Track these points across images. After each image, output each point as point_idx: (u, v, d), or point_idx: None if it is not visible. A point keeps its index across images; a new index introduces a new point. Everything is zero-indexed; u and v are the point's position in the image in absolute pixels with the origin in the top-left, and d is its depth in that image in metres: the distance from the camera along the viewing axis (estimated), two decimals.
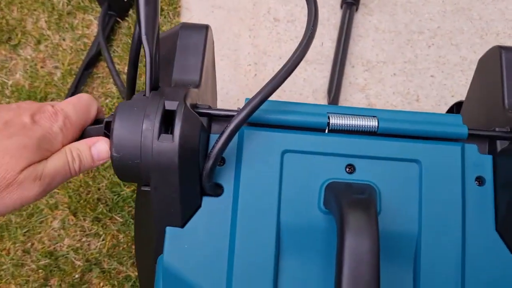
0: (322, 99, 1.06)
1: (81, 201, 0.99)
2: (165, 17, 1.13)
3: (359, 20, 1.14)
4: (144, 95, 0.46)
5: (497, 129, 0.51)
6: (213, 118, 0.51)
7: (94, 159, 0.45)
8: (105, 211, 0.99)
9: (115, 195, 1.00)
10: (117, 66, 1.08)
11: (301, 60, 0.47)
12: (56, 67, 1.12)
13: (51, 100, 1.09)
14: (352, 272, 0.38)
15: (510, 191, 0.47)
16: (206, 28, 0.58)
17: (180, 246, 0.48)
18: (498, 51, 0.57)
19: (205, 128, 0.49)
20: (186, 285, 0.48)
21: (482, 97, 0.62)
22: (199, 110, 0.49)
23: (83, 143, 0.45)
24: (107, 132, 0.46)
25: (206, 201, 0.48)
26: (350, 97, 1.07)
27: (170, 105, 0.44)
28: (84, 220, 0.99)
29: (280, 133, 0.49)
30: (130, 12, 1.14)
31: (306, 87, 1.07)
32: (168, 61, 0.56)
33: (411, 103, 1.06)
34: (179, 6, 1.15)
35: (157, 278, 0.49)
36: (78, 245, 0.97)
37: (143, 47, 0.46)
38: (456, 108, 0.88)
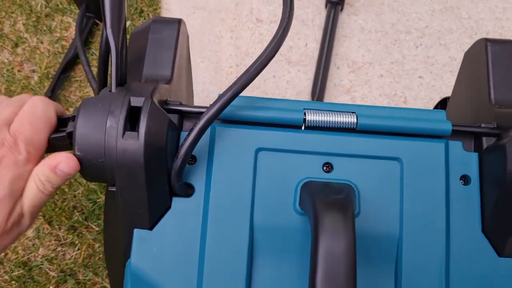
0: None
1: (56, 209, 0.96)
2: (144, 19, 1.10)
3: (344, 20, 1.11)
4: (110, 91, 0.44)
5: (483, 125, 0.48)
6: (184, 115, 0.49)
7: (64, 177, 0.43)
8: (81, 219, 0.95)
9: (91, 203, 0.96)
10: (95, 69, 1.05)
11: (274, 54, 0.44)
12: (34, 71, 1.09)
13: None
14: (326, 274, 0.36)
15: (496, 190, 0.45)
16: (178, 22, 0.56)
17: (148, 249, 0.45)
18: (484, 43, 0.55)
19: (175, 125, 0.47)
20: None
21: (468, 92, 0.60)
22: (169, 107, 0.47)
23: (46, 167, 0.42)
24: (71, 141, 0.44)
25: (176, 201, 0.46)
26: (335, 99, 1.03)
27: (136, 101, 0.42)
28: (59, 229, 0.95)
29: (253, 130, 0.47)
30: None
31: (290, 89, 1.04)
32: (140, 57, 0.53)
33: (398, 105, 1.03)
34: (159, 7, 1.12)
35: (125, 284, 0.47)
36: (53, 255, 0.94)
37: (109, 42, 0.44)
38: (441, 105, 0.85)
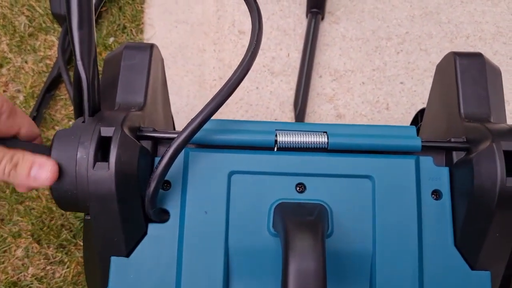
0: (289, 111, 1.03)
1: (44, 228, 0.96)
2: (127, 35, 1.11)
3: (325, 28, 1.12)
4: (83, 121, 0.44)
5: (452, 139, 0.49)
6: (158, 141, 0.49)
7: (30, 179, 0.41)
8: (69, 237, 0.96)
9: (79, 221, 0.97)
10: None
11: (244, 76, 0.45)
12: (19, 91, 1.09)
13: None
14: None
15: (466, 204, 0.45)
16: (150, 47, 0.56)
17: (125, 276, 0.46)
18: (453, 57, 0.55)
19: (148, 151, 0.47)
20: None
21: (440, 105, 0.60)
22: (142, 133, 0.47)
23: (28, 156, 0.41)
24: None
25: (152, 227, 0.46)
26: (318, 108, 1.04)
27: (106, 131, 0.42)
28: (48, 247, 0.96)
29: (226, 154, 0.48)
30: None
31: (273, 100, 1.05)
32: (114, 83, 0.54)
33: (380, 112, 1.04)
34: (142, 23, 1.13)
35: None
36: (43, 274, 0.94)
37: (79, 73, 0.44)
38: (420, 115, 0.86)
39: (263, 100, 1.04)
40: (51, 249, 0.96)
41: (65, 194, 0.42)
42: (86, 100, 0.45)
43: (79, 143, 0.42)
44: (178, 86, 1.06)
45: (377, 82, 1.06)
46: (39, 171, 0.41)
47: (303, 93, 1.00)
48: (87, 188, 0.41)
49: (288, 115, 1.03)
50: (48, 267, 0.95)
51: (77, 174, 0.41)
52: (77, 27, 0.44)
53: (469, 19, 1.13)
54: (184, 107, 1.03)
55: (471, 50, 1.10)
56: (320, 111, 1.04)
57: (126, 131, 0.43)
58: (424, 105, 1.03)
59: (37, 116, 1.03)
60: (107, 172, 0.41)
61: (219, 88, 0.44)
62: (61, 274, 0.94)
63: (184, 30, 1.12)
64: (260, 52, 1.08)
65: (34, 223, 0.96)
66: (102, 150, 0.42)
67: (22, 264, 0.95)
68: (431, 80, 1.07)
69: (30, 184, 0.42)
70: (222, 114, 1.01)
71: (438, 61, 1.08)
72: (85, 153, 0.41)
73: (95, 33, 0.45)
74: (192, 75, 1.08)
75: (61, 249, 0.96)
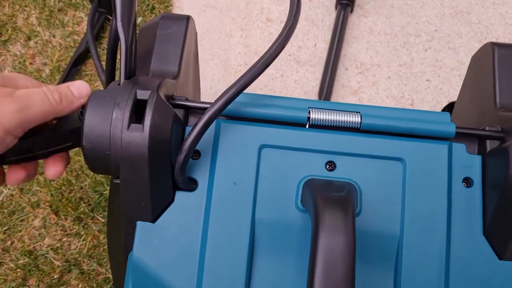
0: None
1: (63, 200, 0.97)
2: (156, 15, 1.12)
3: (354, 21, 1.11)
4: (119, 84, 0.44)
5: (487, 128, 0.48)
6: (190, 111, 0.49)
7: (75, 94, 0.44)
8: (87, 210, 0.97)
9: (97, 195, 0.97)
10: (105, 63, 1.07)
11: (279, 52, 0.45)
12: (45, 64, 1.10)
13: None
14: (325, 271, 0.36)
15: (498, 193, 0.45)
16: (187, 18, 0.56)
17: (150, 242, 0.46)
18: (491, 47, 0.55)
19: (180, 120, 0.47)
20: (156, 283, 0.46)
21: (474, 96, 0.60)
22: (175, 102, 0.47)
23: (59, 85, 0.44)
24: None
25: (179, 195, 0.46)
26: (342, 100, 1.04)
27: (142, 94, 0.42)
28: (66, 219, 0.97)
29: (258, 127, 0.47)
30: None
31: (297, 88, 1.04)
32: (149, 52, 0.54)
33: (405, 107, 1.03)
34: (171, 5, 1.13)
35: (127, 275, 0.47)
36: (58, 244, 0.95)
37: (119, 35, 0.45)
38: (448, 110, 0.85)
39: (287, 88, 1.04)
40: (68, 221, 0.97)
41: (97, 154, 0.42)
42: (124, 63, 0.45)
43: (115, 104, 0.42)
44: (203, 69, 1.06)
45: (403, 77, 1.05)
46: (77, 88, 0.45)
47: (328, 84, 1.00)
48: (120, 149, 0.41)
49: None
50: (64, 239, 0.96)
51: (111, 134, 0.41)
52: None
53: (500, 21, 1.12)
54: (208, 90, 1.04)
55: None
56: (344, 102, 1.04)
57: (162, 96, 0.43)
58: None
59: None
60: (141, 134, 0.41)
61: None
62: (76, 246, 0.95)
63: (212, 15, 1.12)
64: None
65: (53, 194, 0.97)
66: (136, 113, 0.42)
67: (39, 234, 0.96)
68: (457, 79, 1.06)
69: (78, 102, 0.45)
70: None
71: (466, 61, 1.07)
72: (120, 114, 0.41)
73: None
74: (218, 59, 1.08)
75: (78, 221, 0.96)
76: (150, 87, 0.43)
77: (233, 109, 0.47)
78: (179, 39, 0.54)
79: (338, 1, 1.09)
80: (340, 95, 1.04)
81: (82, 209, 0.97)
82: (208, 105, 0.46)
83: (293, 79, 1.05)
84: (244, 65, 1.06)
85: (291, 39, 1.11)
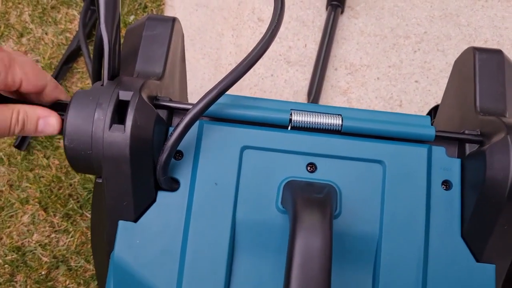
0: (302, 101, 1.04)
1: (52, 197, 0.97)
2: (148, 14, 1.12)
3: (344, 22, 1.12)
4: (102, 85, 0.45)
5: (466, 131, 0.49)
6: (174, 111, 0.50)
7: (38, 130, 0.44)
8: (75, 207, 0.97)
9: (86, 192, 0.98)
10: None
11: (263, 53, 0.45)
12: (37, 61, 1.11)
13: None
14: (301, 270, 0.37)
15: (476, 196, 0.45)
16: (173, 20, 0.57)
17: (131, 241, 0.46)
18: (472, 52, 0.55)
19: (163, 120, 0.48)
20: (137, 282, 0.46)
21: (456, 99, 0.61)
22: (159, 102, 0.48)
23: (34, 111, 0.44)
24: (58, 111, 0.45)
25: (161, 195, 0.47)
26: (331, 100, 1.04)
27: (125, 95, 0.43)
28: (54, 216, 0.97)
29: (240, 129, 0.48)
30: None
31: (287, 88, 1.05)
32: (134, 53, 0.54)
33: (393, 108, 1.04)
34: (163, 4, 1.14)
35: (108, 275, 0.47)
36: (47, 241, 0.95)
37: (102, 36, 0.45)
38: (434, 112, 0.86)
39: (277, 88, 1.04)
40: (57, 217, 0.97)
41: (79, 154, 0.42)
42: (107, 64, 0.45)
43: (97, 104, 0.42)
44: (194, 68, 1.07)
45: (392, 78, 1.06)
46: (45, 125, 0.44)
47: (317, 84, 1.01)
48: (102, 149, 0.42)
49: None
50: (53, 235, 0.96)
51: (93, 134, 0.42)
52: None
53: (489, 24, 1.13)
54: (198, 89, 1.04)
55: None
56: (333, 103, 1.04)
57: (144, 96, 0.44)
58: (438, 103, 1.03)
59: None
60: (122, 134, 0.41)
61: None
62: (64, 243, 0.95)
63: (204, 14, 1.13)
64: (277, 40, 1.09)
65: (42, 191, 0.98)
66: (119, 114, 0.43)
67: (28, 230, 0.97)
68: (446, 80, 1.07)
69: (38, 135, 0.45)
70: None
71: None
72: (102, 115, 0.42)
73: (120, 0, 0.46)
74: (209, 58, 1.08)
75: (67, 218, 0.97)
76: (133, 88, 0.43)
77: (216, 110, 0.47)
78: (165, 40, 0.54)
79: (329, 2, 1.10)
80: (329, 95, 1.05)
81: (71, 205, 0.97)
82: (190, 106, 0.47)
83: (283, 79, 1.06)
84: (235, 64, 1.06)
85: (282, 40, 1.11)
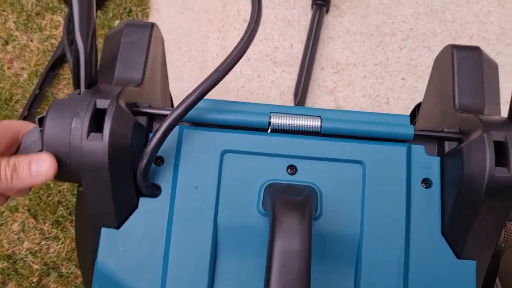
0: (289, 101, 1.04)
1: (41, 204, 0.97)
2: (133, 18, 1.12)
3: (330, 21, 1.12)
4: (79, 93, 0.45)
5: (445, 129, 0.49)
6: (154, 117, 0.50)
7: (32, 172, 0.42)
8: (65, 214, 0.97)
9: (75, 198, 0.98)
10: None
11: (240, 57, 0.45)
12: (23, 68, 1.11)
13: (16, 102, 1.08)
14: (280, 272, 0.37)
15: (455, 194, 0.46)
16: (151, 26, 0.57)
17: (114, 248, 0.46)
18: (451, 50, 0.56)
19: (143, 126, 0.48)
20: None
21: (437, 97, 0.61)
22: (138, 109, 0.48)
23: (23, 157, 0.42)
24: (41, 128, 0.44)
25: (143, 201, 0.47)
26: (318, 100, 1.05)
27: (102, 103, 0.43)
28: (44, 223, 0.97)
29: (219, 133, 0.48)
30: (98, 13, 1.13)
31: (274, 89, 1.05)
32: (113, 60, 0.54)
33: (380, 106, 1.04)
34: (148, 7, 1.13)
35: (93, 282, 0.47)
36: (37, 248, 0.96)
37: (77, 45, 0.45)
38: (417, 109, 0.86)
39: (263, 88, 1.04)
40: (46, 224, 0.97)
41: (59, 163, 0.42)
42: (83, 73, 0.45)
43: (74, 114, 0.42)
44: (180, 71, 1.07)
45: (378, 76, 1.07)
46: (38, 165, 0.41)
47: (303, 84, 1.01)
48: (81, 158, 0.42)
49: (288, 105, 1.04)
50: (43, 242, 0.96)
51: (71, 144, 0.42)
52: (78, 0, 0.44)
53: (474, 19, 1.13)
54: (185, 92, 1.04)
55: None
56: (320, 102, 1.04)
57: (122, 104, 0.44)
58: None
59: (40, 94, 1.04)
60: (100, 142, 0.41)
61: None
62: (55, 250, 0.95)
63: (189, 16, 1.13)
64: (263, 41, 1.09)
65: (31, 198, 0.98)
66: (96, 122, 0.43)
67: (18, 238, 0.97)
68: None
69: (34, 181, 0.42)
70: None
71: None
72: (79, 124, 0.41)
73: (94, 7, 0.46)
74: (195, 61, 1.08)
75: (57, 225, 0.97)
76: (110, 96, 0.43)
77: (195, 115, 0.47)
78: (143, 46, 0.54)
79: (314, 2, 1.10)
80: (316, 95, 1.05)
81: (60, 212, 0.97)
82: (169, 112, 0.47)
83: (269, 79, 1.06)
84: None
85: (268, 40, 1.11)
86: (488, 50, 1.09)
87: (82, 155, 0.42)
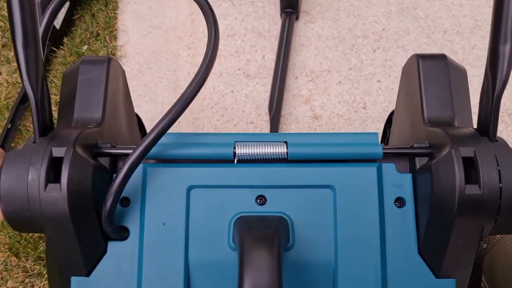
0: (265, 114, 1.02)
1: (22, 241, 0.96)
2: (101, 42, 1.10)
3: (301, 28, 1.10)
4: (34, 142, 0.43)
5: (415, 145, 0.48)
6: (118, 157, 0.48)
7: None
8: None
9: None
10: (54, 97, 1.05)
11: (199, 89, 0.45)
12: None
13: None
14: None
15: (428, 211, 0.44)
16: (108, 60, 0.55)
17: None
18: (416, 60, 0.54)
19: (105, 168, 0.46)
20: None
21: (406, 109, 0.59)
22: (99, 150, 0.46)
23: None
24: None
25: (112, 246, 0.46)
26: (294, 110, 1.03)
27: (58, 151, 0.42)
28: (27, 260, 0.96)
29: (184, 168, 0.47)
30: (65, 40, 1.11)
31: (249, 103, 1.03)
32: (72, 99, 0.53)
33: (357, 111, 1.03)
34: (115, 30, 1.12)
35: None
36: (21, 287, 0.94)
37: (27, 93, 0.44)
38: (393, 115, 0.85)
39: (238, 104, 1.03)
40: (29, 261, 0.96)
41: (18, 216, 0.41)
42: (36, 120, 0.44)
43: (30, 165, 0.41)
44: (153, 92, 1.05)
45: (353, 81, 1.05)
46: None
47: (278, 96, 0.99)
48: (40, 210, 0.41)
49: (264, 118, 1.02)
50: (27, 280, 0.95)
51: (29, 196, 0.40)
52: (22, 46, 0.42)
53: (447, 14, 1.11)
54: (159, 114, 1.02)
55: (449, 45, 1.09)
56: (297, 113, 1.03)
57: (79, 150, 0.42)
58: None
59: (12, 128, 1.03)
60: (59, 193, 0.40)
61: None
62: (39, 287, 0.94)
63: (158, 35, 1.11)
64: (234, 54, 1.07)
65: (11, 236, 0.96)
66: (54, 171, 0.42)
67: (1, 278, 0.95)
68: None
69: None
70: (198, 119, 1.00)
71: None
72: (36, 175, 0.40)
73: (42, 51, 0.44)
74: (167, 81, 1.07)
75: (39, 261, 0.95)
76: (66, 142, 0.42)
77: (159, 152, 0.46)
78: (101, 82, 0.53)
79: (282, 10, 1.08)
80: (291, 105, 1.03)
81: (42, 247, 0.96)
82: (131, 151, 0.46)
83: (243, 93, 1.04)
84: None
85: (239, 53, 1.10)
86: (463, 44, 1.07)
87: (41, 207, 0.40)
